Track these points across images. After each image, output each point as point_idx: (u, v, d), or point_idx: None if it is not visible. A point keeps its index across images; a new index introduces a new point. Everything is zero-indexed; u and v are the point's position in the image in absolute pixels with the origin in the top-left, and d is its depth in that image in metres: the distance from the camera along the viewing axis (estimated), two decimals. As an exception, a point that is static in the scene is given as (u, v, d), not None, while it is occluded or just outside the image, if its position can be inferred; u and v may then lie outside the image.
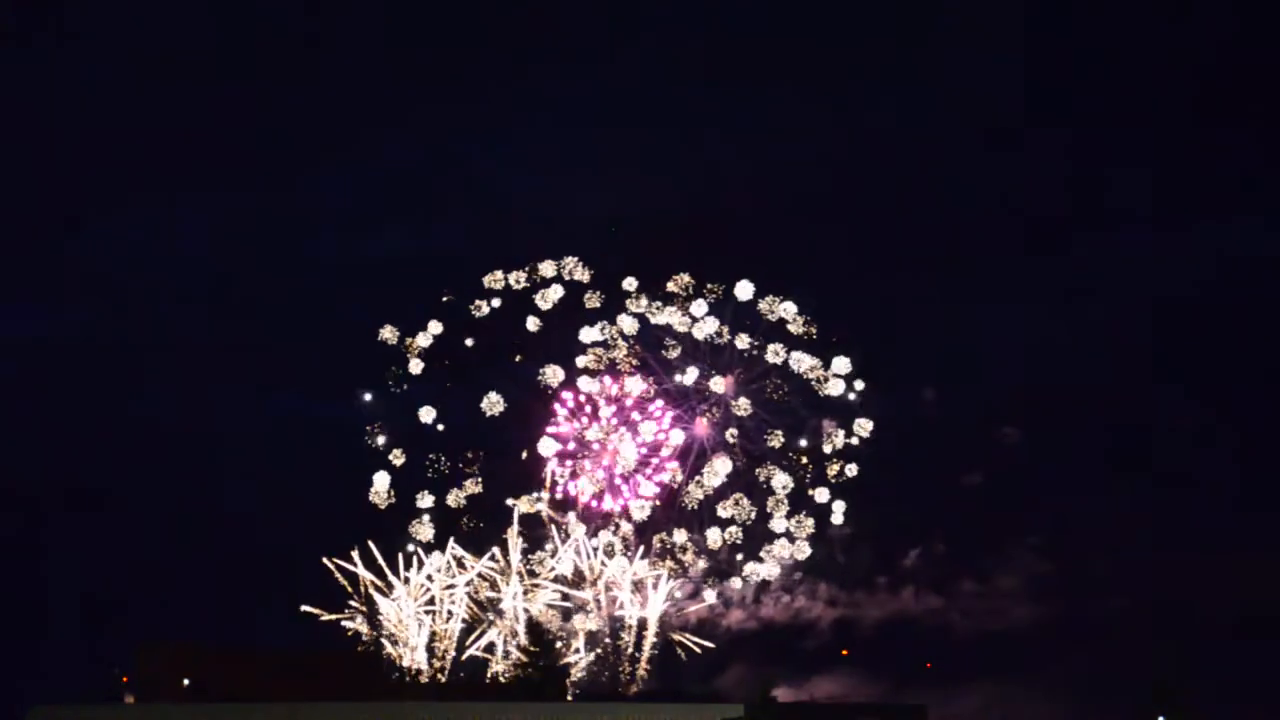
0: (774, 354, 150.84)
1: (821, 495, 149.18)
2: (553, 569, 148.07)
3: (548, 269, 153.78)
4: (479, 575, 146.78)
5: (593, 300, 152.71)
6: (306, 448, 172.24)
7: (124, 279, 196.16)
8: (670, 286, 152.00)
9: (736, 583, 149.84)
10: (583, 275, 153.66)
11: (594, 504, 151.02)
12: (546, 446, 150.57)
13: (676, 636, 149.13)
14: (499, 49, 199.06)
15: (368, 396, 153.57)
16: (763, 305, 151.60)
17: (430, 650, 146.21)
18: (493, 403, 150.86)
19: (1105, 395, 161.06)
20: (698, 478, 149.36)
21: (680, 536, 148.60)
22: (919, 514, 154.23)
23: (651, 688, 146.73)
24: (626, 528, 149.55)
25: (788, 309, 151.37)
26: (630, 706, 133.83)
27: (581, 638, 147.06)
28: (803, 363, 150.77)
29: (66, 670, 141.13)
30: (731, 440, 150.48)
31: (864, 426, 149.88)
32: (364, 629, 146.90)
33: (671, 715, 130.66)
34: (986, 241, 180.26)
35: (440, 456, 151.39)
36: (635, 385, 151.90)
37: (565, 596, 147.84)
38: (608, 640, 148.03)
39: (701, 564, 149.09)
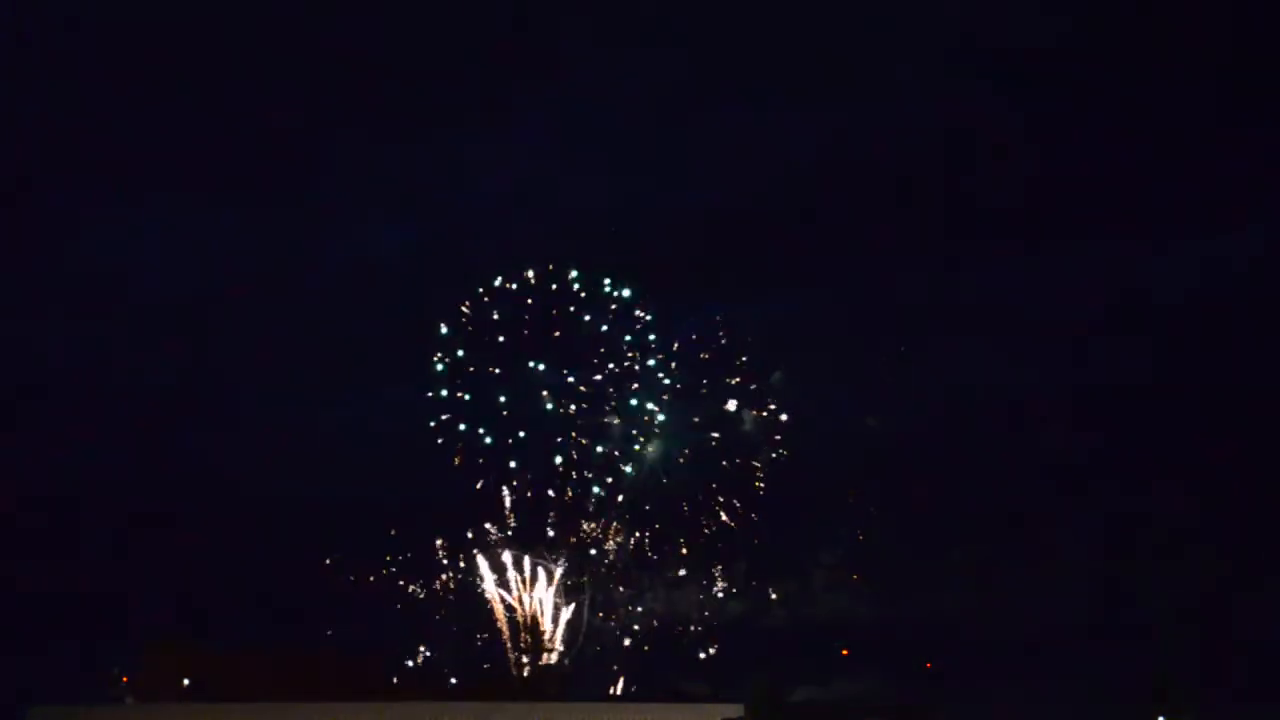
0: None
1: None
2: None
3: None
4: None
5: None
6: (308, 447, 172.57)
7: (128, 281, 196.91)
8: None
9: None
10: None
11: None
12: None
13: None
14: (498, 52, 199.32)
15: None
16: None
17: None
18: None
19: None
20: None
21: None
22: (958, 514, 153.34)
23: (652, 687, 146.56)
24: None
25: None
26: (630, 706, 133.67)
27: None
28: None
29: (66, 670, 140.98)
30: None
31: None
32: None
33: (671, 715, 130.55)
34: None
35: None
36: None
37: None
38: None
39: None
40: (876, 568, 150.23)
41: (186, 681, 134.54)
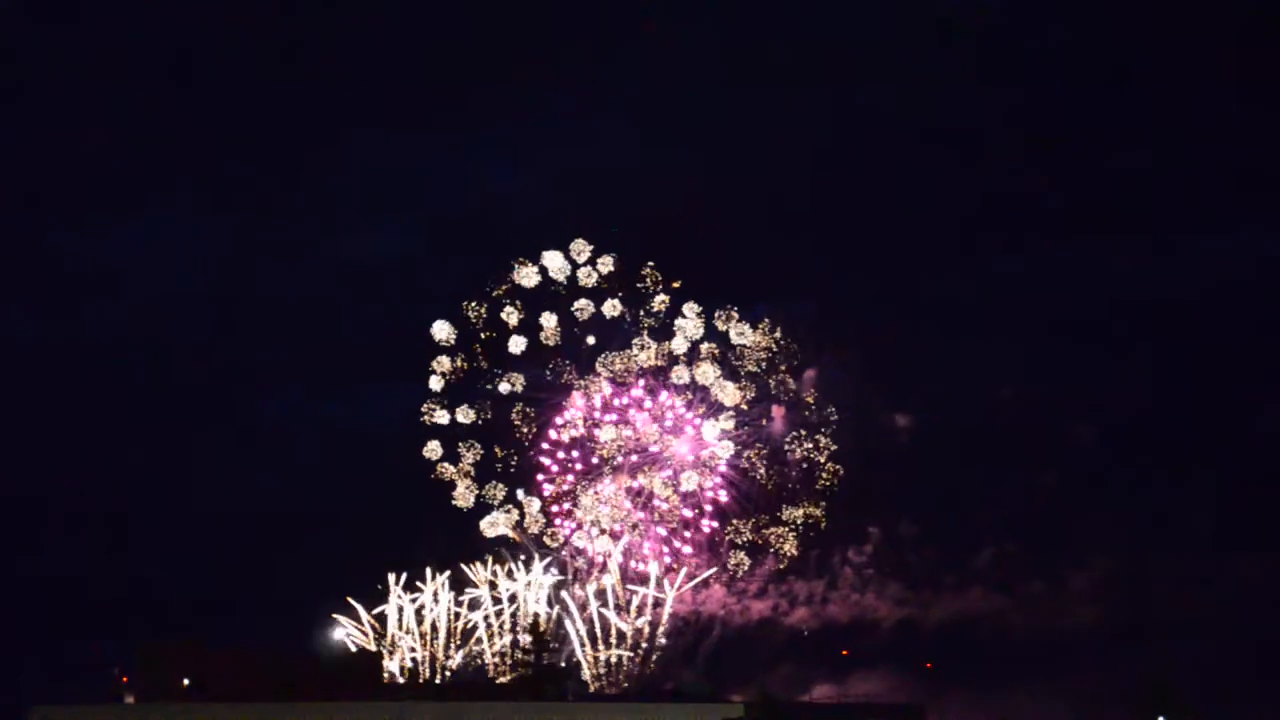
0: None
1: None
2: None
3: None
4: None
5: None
6: (306, 446, 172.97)
7: (126, 281, 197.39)
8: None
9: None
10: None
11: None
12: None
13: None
14: (491, 54, 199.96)
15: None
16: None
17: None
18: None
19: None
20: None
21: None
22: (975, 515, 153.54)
23: (652, 687, 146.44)
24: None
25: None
26: (630, 706, 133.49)
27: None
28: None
29: (66, 670, 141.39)
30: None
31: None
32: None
33: (671, 715, 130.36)
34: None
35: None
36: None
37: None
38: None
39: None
40: (901, 570, 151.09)
41: (186, 681, 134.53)
